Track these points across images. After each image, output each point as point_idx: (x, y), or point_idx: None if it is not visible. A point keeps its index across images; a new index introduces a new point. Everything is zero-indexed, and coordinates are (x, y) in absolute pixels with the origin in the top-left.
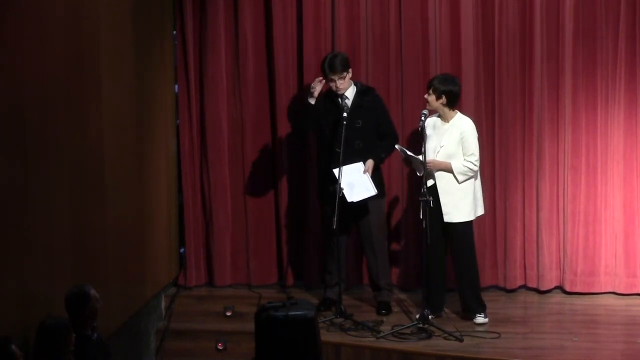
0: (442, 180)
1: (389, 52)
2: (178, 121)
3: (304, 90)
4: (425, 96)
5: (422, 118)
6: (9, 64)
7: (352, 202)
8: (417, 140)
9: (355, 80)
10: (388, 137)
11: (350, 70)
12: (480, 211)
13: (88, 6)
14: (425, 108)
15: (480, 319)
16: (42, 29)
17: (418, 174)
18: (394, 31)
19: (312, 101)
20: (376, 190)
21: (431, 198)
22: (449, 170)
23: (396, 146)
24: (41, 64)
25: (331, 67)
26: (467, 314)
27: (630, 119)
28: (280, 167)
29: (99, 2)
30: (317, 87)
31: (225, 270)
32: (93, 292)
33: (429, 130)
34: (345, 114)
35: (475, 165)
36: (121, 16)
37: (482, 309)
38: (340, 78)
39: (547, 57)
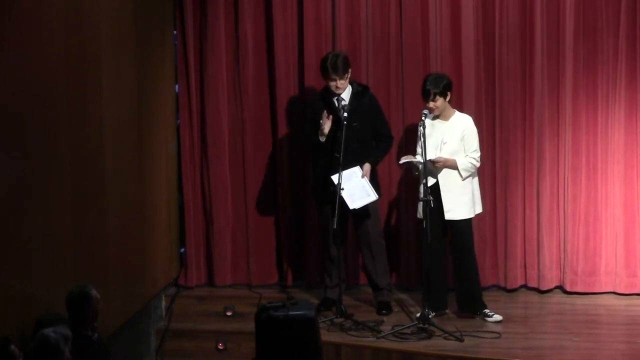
0: (445, 178)
1: (389, 52)
2: (178, 121)
3: (304, 90)
4: (430, 105)
5: (423, 118)
6: (10, 64)
7: (354, 209)
8: (414, 139)
9: (352, 79)
10: (384, 138)
11: (350, 71)
12: (479, 209)
13: (89, 6)
14: (425, 108)
15: (496, 316)
16: (42, 29)
17: (416, 174)
18: (394, 31)
19: (323, 139)
20: (377, 195)
21: (432, 198)
22: (455, 167)
23: (402, 162)
24: (42, 65)
25: (334, 67)
26: (467, 312)
27: (631, 119)
28: (280, 167)
29: (100, 2)
30: (327, 125)
31: (226, 270)
32: (94, 292)
33: (426, 129)
34: (345, 114)
35: (478, 161)
36: (122, 16)
37: (484, 305)
38: (341, 79)
39: (547, 56)
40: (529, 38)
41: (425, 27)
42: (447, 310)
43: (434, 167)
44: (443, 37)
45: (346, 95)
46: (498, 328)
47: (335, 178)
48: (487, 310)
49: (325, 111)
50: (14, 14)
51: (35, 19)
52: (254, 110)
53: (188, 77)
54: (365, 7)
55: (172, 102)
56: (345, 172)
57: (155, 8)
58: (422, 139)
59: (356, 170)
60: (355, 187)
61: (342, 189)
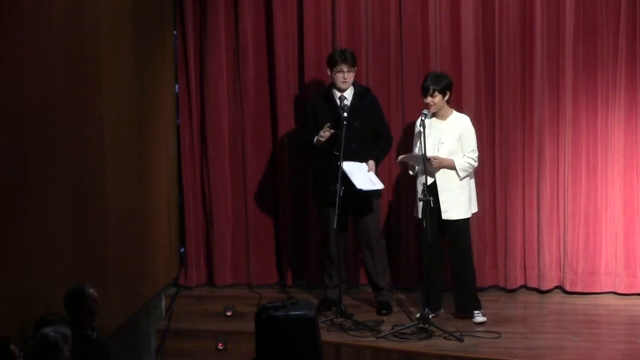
0: (443, 178)
1: (389, 52)
2: (178, 121)
3: (304, 90)
4: (429, 100)
5: (423, 118)
6: (10, 64)
7: (361, 189)
8: (413, 139)
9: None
10: (383, 138)
11: (356, 68)
12: (474, 209)
13: (89, 6)
14: (425, 108)
15: (479, 317)
16: (42, 29)
17: (411, 173)
18: (394, 31)
19: (318, 144)
20: (382, 185)
21: (431, 198)
22: (452, 167)
23: (398, 160)
24: (41, 65)
25: (344, 57)
26: (463, 312)
27: (631, 119)
28: (280, 167)
29: (100, 2)
30: (326, 137)
31: (226, 270)
32: (92, 291)
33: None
34: (345, 114)
35: (475, 161)
36: (122, 16)
37: (479, 305)
38: (349, 71)
39: (547, 56)
40: (528, 37)
41: (425, 27)
42: (444, 310)
43: (430, 166)
44: (443, 36)
45: (349, 94)
46: (498, 328)
47: (344, 164)
48: (475, 311)
49: (328, 124)
50: (14, 14)
51: (35, 19)
52: (254, 110)
53: (188, 77)
54: (365, 7)
55: (172, 102)
56: (350, 163)
57: (155, 8)
58: (421, 138)
59: (362, 165)
60: (363, 175)
61: (343, 188)
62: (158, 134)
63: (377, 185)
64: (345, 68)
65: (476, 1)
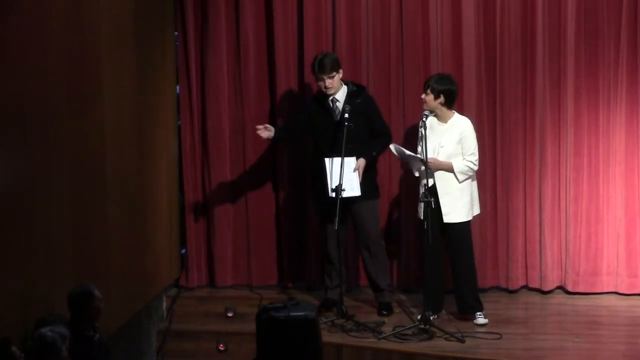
0: (442, 181)
1: (389, 52)
2: (179, 122)
3: (304, 90)
4: (423, 96)
5: (424, 119)
6: (10, 64)
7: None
8: (415, 140)
9: (353, 80)
10: (382, 136)
11: (340, 71)
12: (477, 210)
13: (89, 6)
14: (424, 109)
15: (481, 319)
16: (42, 29)
17: (416, 174)
18: (394, 31)
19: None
20: (360, 192)
21: (432, 199)
22: (450, 169)
23: (391, 146)
24: (42, 66)
25: (320, 66)
26: (465, 314)
27: (632, 120)
28: (281, 168)
29: (100, 2)
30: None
31: (227, 271)
32: (97, 291)
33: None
34: (346, 115)
35: (475, 165)
36: (122, 16)
37: (480, 307)
38: (329, 77)
39: (549, 58)
40: (530, 39)
41: (425, 27)
42: (443, 311)
43: (428, 167)
44: (444, 37)
45: (341, 96)
46: (499, 329)
47: (328, 162)
48: (477, 313)
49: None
50: (14, 14)
51: (35, 19)
52: (254, 110)
53: (189, 78)
54: (366, 7)
55: (173, 102)
56: (337, 160)
57: (156, 8)
58: (422, 140)
59: (350, 162)
60: (345, 178)
61: (344, 189)
62: (159, 135)
63: (355, 191)
64: (324, 76)
65: (477, 2)
